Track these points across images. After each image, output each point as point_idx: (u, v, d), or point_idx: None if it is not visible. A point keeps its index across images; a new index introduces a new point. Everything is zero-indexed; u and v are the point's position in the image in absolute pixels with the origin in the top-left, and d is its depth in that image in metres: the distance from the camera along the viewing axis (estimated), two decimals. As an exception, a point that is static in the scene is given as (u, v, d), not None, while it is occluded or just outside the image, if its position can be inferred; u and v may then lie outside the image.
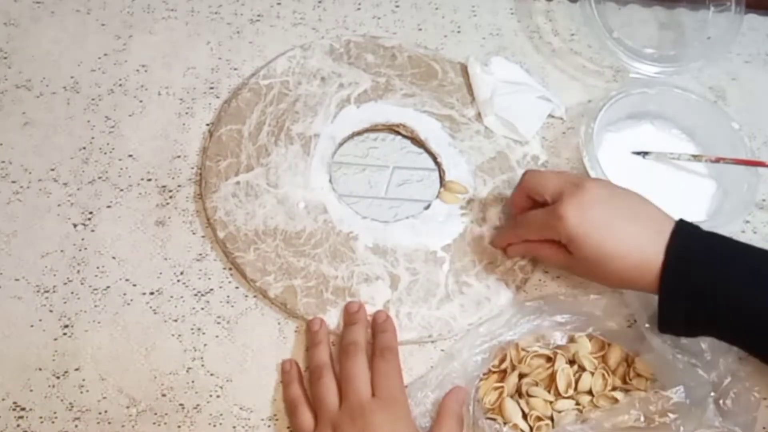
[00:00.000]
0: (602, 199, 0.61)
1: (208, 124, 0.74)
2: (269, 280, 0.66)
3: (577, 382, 0.63)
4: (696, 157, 0.71)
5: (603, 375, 0.63)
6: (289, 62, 0.76)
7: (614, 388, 0.63)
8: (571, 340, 0.65)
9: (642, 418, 0.59)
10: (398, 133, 0.75)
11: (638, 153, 0.74)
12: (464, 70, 0.77)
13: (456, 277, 0.68)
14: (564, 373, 0.63)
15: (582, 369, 0.63)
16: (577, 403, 0.62)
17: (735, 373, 0.62)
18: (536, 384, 0.63)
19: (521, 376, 0.63)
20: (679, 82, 0.76)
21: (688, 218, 0.66)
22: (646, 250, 0.59)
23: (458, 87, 0.77)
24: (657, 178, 0.73)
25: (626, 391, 0.63)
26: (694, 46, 0.79)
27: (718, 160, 0.71)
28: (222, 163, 0.71)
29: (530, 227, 0.65)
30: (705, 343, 0.62)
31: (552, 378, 0.63)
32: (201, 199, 0.70)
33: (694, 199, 0.73)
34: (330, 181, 0.71)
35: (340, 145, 0.74)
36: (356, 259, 0.68)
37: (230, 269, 0.68)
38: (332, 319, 0.65)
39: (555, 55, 0.81)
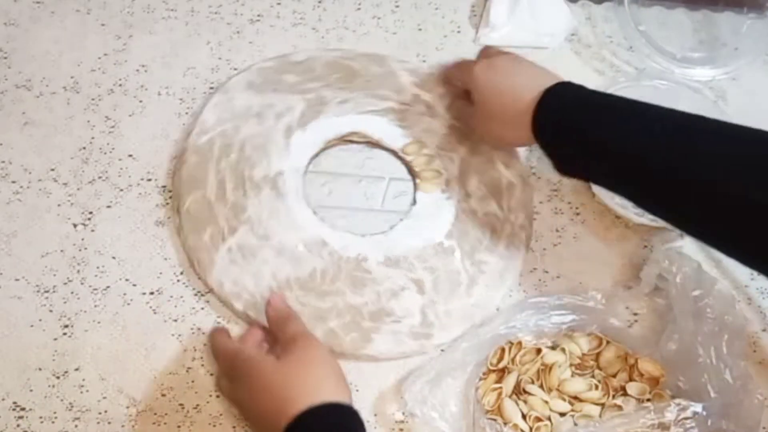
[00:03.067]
0: (514, 59, 0.67)
1: (208, 124, 0.73)
2: None
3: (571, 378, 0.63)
4: None
5: (606, 383, 0.63)
6: (215, 110, 0.72)
7: (614, 395, 0.63)
8: (569, 337, 0.65)
9: (656, 423, 0.59)
10: (352, 142, 0.73)
11: None
12: (381, 61, 0.76)
13: (470, 259, 0.68)
14: (556, 367, 0.63)
15: (580, 370, 0.64)
16: (572, 405, 0.62)
17: (741, 375, 0.61)
18: (532, 381, 0.63)
19: (519, 374, 0.63)
20: (690, 83, 0.76)
21: None
22: (526, 91, 0.62)
23: (383, 77, 0.75)
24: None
25: (627, 396, 0.63)
26: (721, 50, 0.81)
27: None
28: (204, 235, 0.67)
29: (459, 67, 0.73)
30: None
31: (545, 372, 0.63)
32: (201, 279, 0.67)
33: None
34: (314, 213, 0.69)
35: (305, 173, 0.71)
36: (375, 278, 0.67)
37: (230, 269, 0.67)
38: (379, 346, 0.64)
39: (555, 55, 0.81)
